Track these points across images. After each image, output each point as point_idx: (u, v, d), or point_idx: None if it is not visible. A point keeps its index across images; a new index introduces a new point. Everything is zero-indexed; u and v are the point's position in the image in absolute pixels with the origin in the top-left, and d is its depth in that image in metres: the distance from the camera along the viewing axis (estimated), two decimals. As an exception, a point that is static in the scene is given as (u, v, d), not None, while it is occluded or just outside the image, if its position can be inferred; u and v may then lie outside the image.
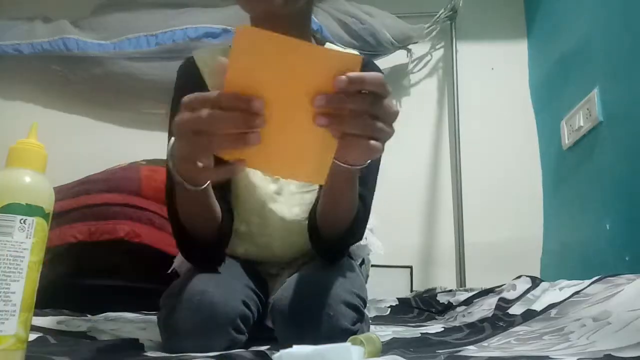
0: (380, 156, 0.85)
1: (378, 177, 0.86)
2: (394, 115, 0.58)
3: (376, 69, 0.92)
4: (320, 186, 0.84)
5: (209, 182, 0.68)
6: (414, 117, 2.07)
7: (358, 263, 0.97)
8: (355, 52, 2.03)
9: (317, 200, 0.84)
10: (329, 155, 0.55)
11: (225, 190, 0.86)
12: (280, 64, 0.49)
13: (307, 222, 0.84)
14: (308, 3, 0.85)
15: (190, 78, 0.87)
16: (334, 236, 0.78)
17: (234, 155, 0.56)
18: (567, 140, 1.68)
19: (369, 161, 0.63)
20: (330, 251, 0.80)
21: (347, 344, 0.35)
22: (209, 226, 0.77)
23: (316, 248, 0.82)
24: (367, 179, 0.81)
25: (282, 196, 0.87)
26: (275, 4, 0.77)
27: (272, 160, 0.56)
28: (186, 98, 0.55)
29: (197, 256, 0.80)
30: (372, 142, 0.56)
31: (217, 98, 0.52)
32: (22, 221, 0.50)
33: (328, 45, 0.94)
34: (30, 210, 0.51)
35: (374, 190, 0.84)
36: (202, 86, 0.86)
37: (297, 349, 0.39)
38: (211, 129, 0.53)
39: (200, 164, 0.59)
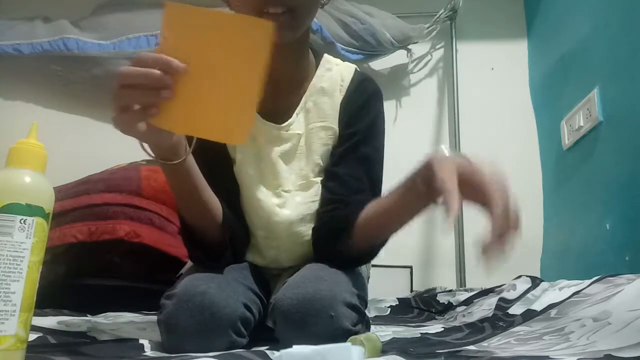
0: (380, 175, 0.91)
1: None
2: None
3: (373, 84, 0.93)
4: (326, 194, 0.86)
5: (181, 158, 0.69)
6: (414, 117, 2.07)
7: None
8: (356, 57, 2.00)
9: (328, 208, 0.85)
10: (248, 115, 0.59)
11: (233, 201, 0.86)
12: (203, 32, 0.56)
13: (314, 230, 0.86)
14: (308, 29, 0.87)
15: None
16: (363, 246, 0.81)
17: (161, 122, 0.60)
18: (567, 140, 1.68)
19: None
20: (346, 260, 0.81)
21: (347, 344, 0.35)
22: (207, 220, 0.78)
23: (328, 253, 0.83)
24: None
25: (287, 209, 0.87)
26: (283, 36, 0.78)
27: (194, 120, 0.60)
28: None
29: (200, 254, 0.80)
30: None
31: (141, 57, 0.58)
32: (22, 221, 0.50)
33: (326, 56, 0.94)
34: (30, 210, 0.51)
35: None
36: None
37: (297, 349, 0.39)
38: (133, 82, 0.58)
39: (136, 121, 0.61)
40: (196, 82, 0.57)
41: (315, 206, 0.87)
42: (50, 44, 1.91)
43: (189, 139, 0.71)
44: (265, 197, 0.87)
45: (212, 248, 0.79)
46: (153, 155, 0.68)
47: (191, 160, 0.72)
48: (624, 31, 1.36)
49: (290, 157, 0.89)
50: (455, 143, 2.00)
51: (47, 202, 0.53)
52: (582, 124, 1.55)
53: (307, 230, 0.87)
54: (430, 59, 2.14)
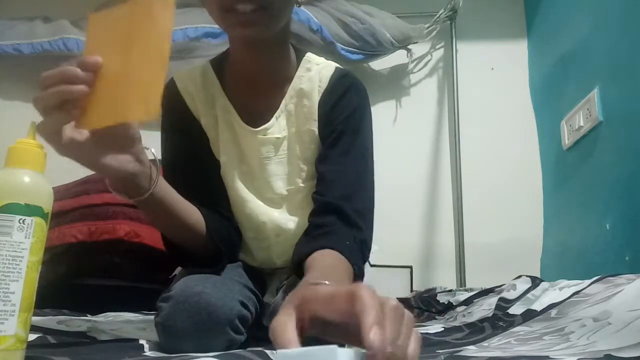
0: (371, 169, 0.85)
1: (375, 183, 0.85)
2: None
3: (351, 78, 0.88)
4: (314, 199, 0.81)
5: (147, 193, 0.66)
6: (414, 117, 2.07)
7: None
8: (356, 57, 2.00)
9: (315, 223, 0.79)
10: (157, 89, 0.56)
11: (223, 204, 0.85)
12: (116, 28, 0.58)
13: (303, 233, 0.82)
14: (287, 24, 0.84)
15: (171, 99, 0.87)
16: None
17: (85, 122, 0.58)
18: (567, 140, 1.68)
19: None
20: None
21: (333, 346, 0.34)
22: (192, 238, 0.76)
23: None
24: (361, 212, 0.80)
25: (276, 210, 0.87)
26: (255, 32, 0.76)
27: (109, 110, 0.58)
28: None
29: (193, 268, 0.79)
30: None
31: (63, 65, 0.57)
32: (21, 221, 0.50)
33: (308, 55, 0.90)
34: (29, 210, 0.51)
35: (372, 224, 0.82)
36: (182, 108, 0.87)
37: (290, 349, 0.39)
38: (51, 82, 0.56)
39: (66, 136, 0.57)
40: (110, 75, 0.58)
41: (304, 212, 0.84)
42: (50, 44, 1.91)
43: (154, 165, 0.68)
44: (252, 198, 0.86)
45: (204, 259, 0.78)
46: (114, 191, 0.66)
47: (162, 190, 0.69)
48: (624, 31, 1.36)
49: (273, 161, 0.86)
50: (455, 143, 2.00)
51: (46, 202, 0.53)
52: (582, 124, 1.55)
53: (296, 231, 0.85)
54: (430, 59, 2.14)
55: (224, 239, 0.81)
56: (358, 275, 0.74)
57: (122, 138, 0.62)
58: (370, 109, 0.89)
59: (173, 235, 0.77)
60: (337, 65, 0.91)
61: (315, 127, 0.86)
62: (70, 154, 0.58)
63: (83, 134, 0.58)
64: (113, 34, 0.58)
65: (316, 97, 0.86)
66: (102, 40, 0.59)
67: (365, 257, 0.79)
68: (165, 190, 0.70)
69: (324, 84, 0.87)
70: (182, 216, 0.73)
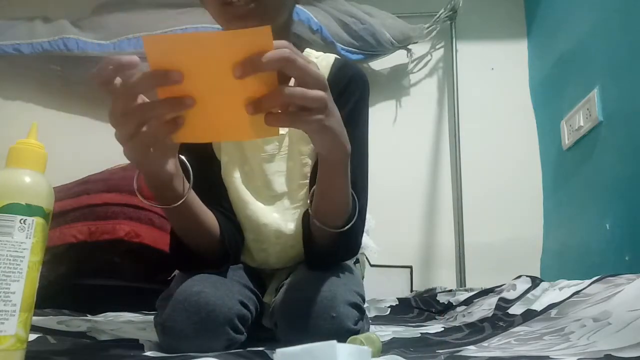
0: (367, 162, 0.84)
1: (369, 183, 0.84)
2: (310, 73, 0.56)
3: (353, 68, 0.88)
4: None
5: (183, 197, 0.67)
6: (414, 117, 2.07)
7: (353, 262, 0.97)
8: (358, 57, 1.99)
9: (310, 202, 0.80)
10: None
11: (225, 205, 0.85)
12: (195, 60, 0.52)
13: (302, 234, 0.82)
14: (287, 23, 0.83)
15: None
16: (327, 237, 0.75)
17: (184, 135, 0.58)
18: (567, 140, 1.68)
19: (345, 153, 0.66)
20: (323, 256, 0.78)
21: (333, 342, 0.35)
22: (207, 241, 0.77)
23: (308, 254, 0.80)
24: (357, 189, 0.79)
25: (276, 212, 0.86)
26: (252, 24, 0.74)
27: (219, 126, 0.58)
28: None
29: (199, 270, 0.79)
30: (298, 112, 0.56)
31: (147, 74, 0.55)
32: (22, 221, 0.50)
33: (307, 51, 0.90)
34: (30, 210, 0.51)
35: (367, 201, 0.83)
36: None
37: (289, 347, 0.39)
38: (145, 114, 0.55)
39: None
40: (206, 103, 0.55)
41: (304, 209, 0.83)
42: (50, 44, 1.91)
43: (186, 173, 0.69)
44: (252, 200, 0.86)
45: (210, 262, 0.78)
46: (151, 201, 0.67)
47: (191, 195, 0.70)
48: (624, 31, 1.36)
49: (275, 158, 0.86)
50: (455, 143, 2.00)
51: (47, 202, 0.53)
52: (582, 124, 1.55)
53: (296, 233, 0.84)
54: (430, 59, 2.14)
55: (232, 244, 0.81)
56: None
57: (170, 143, 0.62)
58: (369, 96, 0.89)
59: (191, 239, 0.76)
60: (336, 56, 0.91)
61: None
62: (141, 161, 0.61)
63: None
64: (192, 62, 0.52)
65: None
66: (174, 66, 0.53)
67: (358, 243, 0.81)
68: (193, 195, 0.71)
69: (325, 75, 0.86)
70: (203, 221, 0.74)
